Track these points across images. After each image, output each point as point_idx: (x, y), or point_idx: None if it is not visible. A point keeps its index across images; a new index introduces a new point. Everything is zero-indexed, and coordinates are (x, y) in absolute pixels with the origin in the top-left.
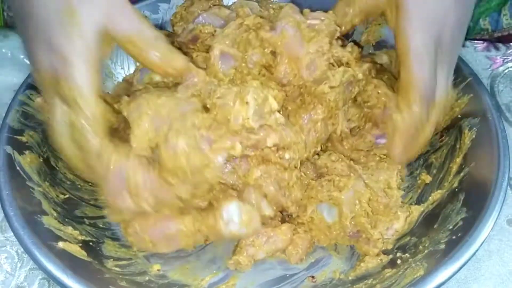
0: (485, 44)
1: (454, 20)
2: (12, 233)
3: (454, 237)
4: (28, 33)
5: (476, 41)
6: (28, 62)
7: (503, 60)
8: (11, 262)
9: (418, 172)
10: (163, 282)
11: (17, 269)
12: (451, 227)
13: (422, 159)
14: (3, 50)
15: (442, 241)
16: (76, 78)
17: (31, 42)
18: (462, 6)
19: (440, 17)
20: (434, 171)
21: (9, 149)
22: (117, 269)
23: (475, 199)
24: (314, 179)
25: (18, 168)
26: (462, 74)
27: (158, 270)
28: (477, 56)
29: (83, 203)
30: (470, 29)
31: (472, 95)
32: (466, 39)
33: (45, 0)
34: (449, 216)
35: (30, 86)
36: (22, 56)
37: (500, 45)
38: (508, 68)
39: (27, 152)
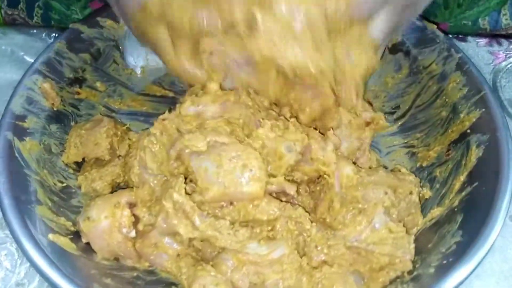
0: (487, 39)
1: None
2: None
3: (444, 261)
4: None
5: (478, 36)
6: (28, 59)
7: (506, 55)
8: (11, 259)
9: (421, 184)
10: (151, 278)
11: (17, 266)
12: (444, 250)
13: (426, 172)
14: (3, 47)
15: (432, 264)
16: None
17: None
18: None
19: None
20: (437, 186)
21: (9, 135)
22: (105, 263)
23: (472, 223)
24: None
25: (17, 154)
26: (476, 87)
27: (148, 266)
28: (480, 51)
29: (80, 192)
30: (468, 28)
31: (484, 110)
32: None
33: None
34: (444, 237)
35: (36, 71)
36: (22, 53)
37: (502, 40)
38: (510, 63)
39: (27, 138)
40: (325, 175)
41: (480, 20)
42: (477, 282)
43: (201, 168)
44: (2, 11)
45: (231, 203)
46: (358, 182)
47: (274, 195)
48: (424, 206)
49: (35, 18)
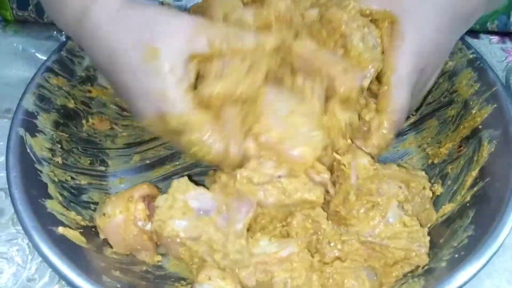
0: (500, 36)
1: (438, 57)
2: None
3: (456, 255)
4: (123, 90)
5: (491, 34)
6: (39, 56)
7: None
8: (22, 255)
9: (433, 181)
10: (160, 273)
11: (28, 261)
12: (455, 244)
13: (438, 169)
14: (14, 45)
15: (444, 258)
16: (177, 107)
17: (129, 98)
18: (449, 46)
19: (429, 52)
20: (449, 182)
21: (21, 131)
22: (115, 257)
23: (484, 218)
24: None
25: (28, 150)
26: (487, 83)
27: (158, 261)
28: (492, 48)
29: (92, 188)
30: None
31: (496, 105)
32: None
33: (126, 57)
34: (456, 231)
35: (48, 69)
36: (33, 50)
37: None
38: None
39: (39, 134)
40: (341, 166)
41: (488, 24)
42: (487, 281)
43: (273, 105)
44: (13, 12)
45: (279, 176)
46: (374, 174)
47: None
48: (436, 202)
49: (45, 20)
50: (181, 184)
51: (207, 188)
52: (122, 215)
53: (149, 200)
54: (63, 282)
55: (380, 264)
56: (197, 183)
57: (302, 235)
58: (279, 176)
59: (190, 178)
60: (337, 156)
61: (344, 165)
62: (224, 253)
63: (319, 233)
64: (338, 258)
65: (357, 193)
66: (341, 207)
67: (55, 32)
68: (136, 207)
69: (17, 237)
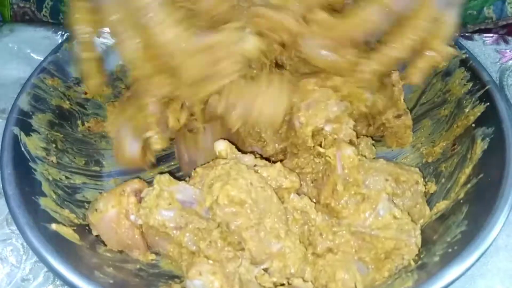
0: (494, 37)
1: None
2: None
3: (450, 250)
4: None
5: (485, 35)
6: (34, 56)
7: None
8: (17, 255)
9: (427, 180)
10: (154, 271)
11: (22, 261)
12: (449, 239)
13: (432, 167)
14: (10, 45)
15: (437, 253)
16: None
17: None
18: None
19: None
20: (443, 180)
21: (16, 130)
22: (108, 254)
23: (477, 213)
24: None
25: (23, 149)
26: (480, 82)
27: (152, 259)
28: (486, 49)
29: (86, 187)
30: (474, 17)
31: (488, 104)
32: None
33: None
34: (449, 227)
35: (44, 70)
36: (28, 50)
37: (509, 38)
38: None
39: (34, 134)
40: (326, 158)
41: (485, 9)
42: (481, 281)
43: None
44: (15, 6)
45: (255, 165)
46: (359, 164)
47: None
48: (430, 200)
49: (44, 10)
50: (163, 178)
51: None
52: (114, 209)
53: (140, 195)
54: (58, 282)
55: (371, 257)
56: (179, 179)
57: (293, 224)
58: (255, 165)
59: (171, 175)
60: (321, 150)
61: (329, 157)
62: (210, 241)
63: (310, 224)
64: (330, 250)
65: (345, 183)
66: (331, 198)
67: (51, 32)
68: (128, 201)
69: (11, 237)
